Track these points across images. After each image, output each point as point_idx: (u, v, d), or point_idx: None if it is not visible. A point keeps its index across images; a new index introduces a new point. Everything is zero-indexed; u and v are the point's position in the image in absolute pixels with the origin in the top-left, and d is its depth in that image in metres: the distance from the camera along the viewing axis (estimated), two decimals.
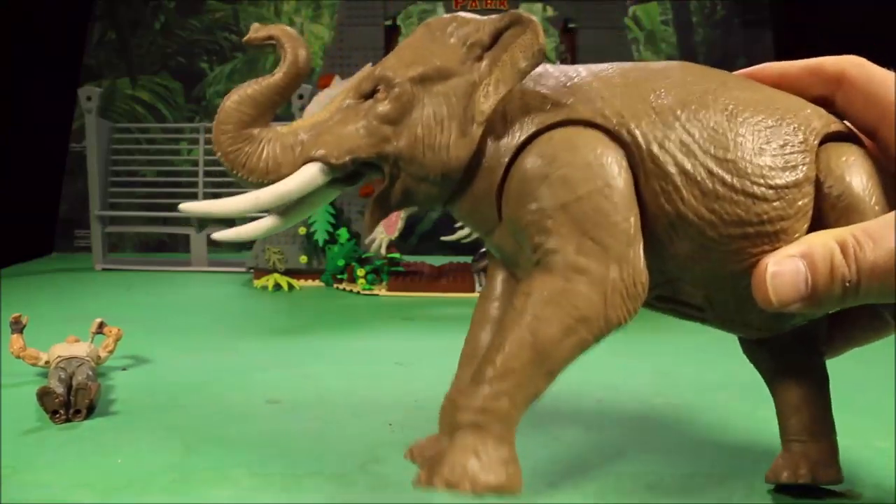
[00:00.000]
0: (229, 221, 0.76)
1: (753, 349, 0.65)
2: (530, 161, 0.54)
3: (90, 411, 0.83)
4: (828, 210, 0.55)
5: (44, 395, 0.81)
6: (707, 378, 1.01)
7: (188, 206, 0.58)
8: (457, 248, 1.98)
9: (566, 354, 0.50)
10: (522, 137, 0.55)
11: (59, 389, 0.83)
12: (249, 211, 0.56)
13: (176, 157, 2.66)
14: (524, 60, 0.54)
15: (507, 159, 0.55)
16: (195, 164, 2.40)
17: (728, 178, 0.53)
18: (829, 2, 2.62)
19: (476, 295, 1.84)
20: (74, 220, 2.72)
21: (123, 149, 2.45)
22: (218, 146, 0.57)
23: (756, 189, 0.53)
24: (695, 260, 0.55)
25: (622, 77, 0.57)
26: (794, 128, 0.55)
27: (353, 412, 0.79)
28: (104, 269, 2.21)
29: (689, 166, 0.53)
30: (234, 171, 0.57)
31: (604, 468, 0.69)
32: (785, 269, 0.51)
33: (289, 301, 1.74)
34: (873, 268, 0.50)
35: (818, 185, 0.55)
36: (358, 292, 1.85)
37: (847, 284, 0.50)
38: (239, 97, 0.56)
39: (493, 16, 0.57)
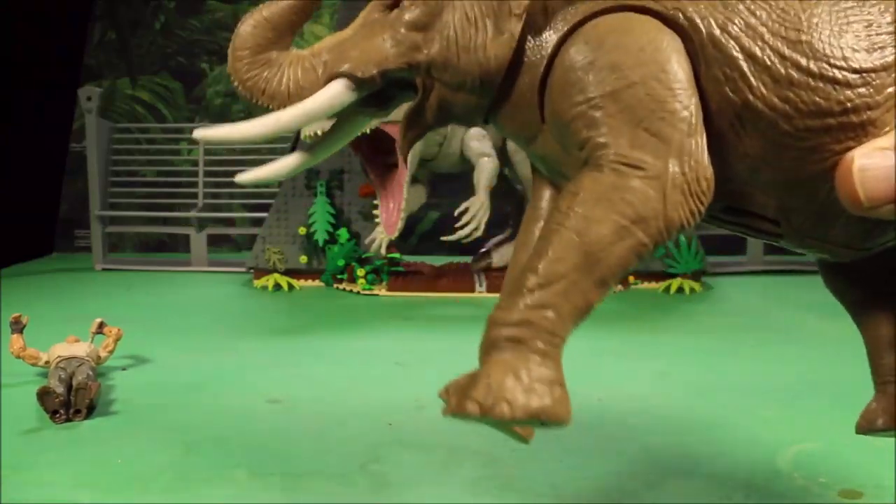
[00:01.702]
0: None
1: (836, 277, 0.57)
2: (575, 50, 0.47)
3: (90, 411, 0.83)
4: None
5: (44, 395, 0.81)
6: (707, 378, 1.01)
7: (203, 133, 0.52)
8: (457, 248, 1.98)
9: (620, 260, 0.43)
10: (566, 27, 0.49)
11: (60, 389, 0.83)
12: (271, 134, 0.51)
13: (176, 157, 2.66)
14: None
15: (549, 52, 0.49)
16: (195, 164, 2.40)
17: (803, 61, 0.45)
18: None
19: (476, 295, 1.84)
20: (74, 220, 2.72)
21: (123, 149, 2.46)
22: (234, 74, 0.52)
23: (837, 73, 0.45)
24: (767, 160, 0.47)
25: None
26: (880, 6, 0.47)
27: (353, 412, 0.79)
28: (104, 269, 2.21)
29: (756, 50, 0.45)
30: (254, 99, 0.52)
31: (604, 468, 0.69)
32: (876, 164, 0.44)
33: (289, 301, 1.74)
34: None
35: None
36: (358, 292, 1.85)
37: None
38: (255, 21, 0.53)
39: None
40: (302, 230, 1.93)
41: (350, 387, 0.96)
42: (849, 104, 0.45)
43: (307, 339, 1.31)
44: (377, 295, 1.83)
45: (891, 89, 0.46)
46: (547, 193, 0.55)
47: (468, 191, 1.75)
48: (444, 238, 1.90)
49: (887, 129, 0.46)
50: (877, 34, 0.46)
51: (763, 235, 0.52)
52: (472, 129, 1.79)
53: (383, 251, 1.86)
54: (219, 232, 2.49)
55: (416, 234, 2.67)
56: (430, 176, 1.90)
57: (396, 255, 1.89)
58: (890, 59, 0.46)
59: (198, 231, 2.26)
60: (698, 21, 0.47)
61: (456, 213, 1.79)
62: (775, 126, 0.46)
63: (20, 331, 0.97)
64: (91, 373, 0.89)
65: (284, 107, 0.51)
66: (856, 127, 0.45)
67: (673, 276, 1.90)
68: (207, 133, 0.51)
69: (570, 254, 0.42)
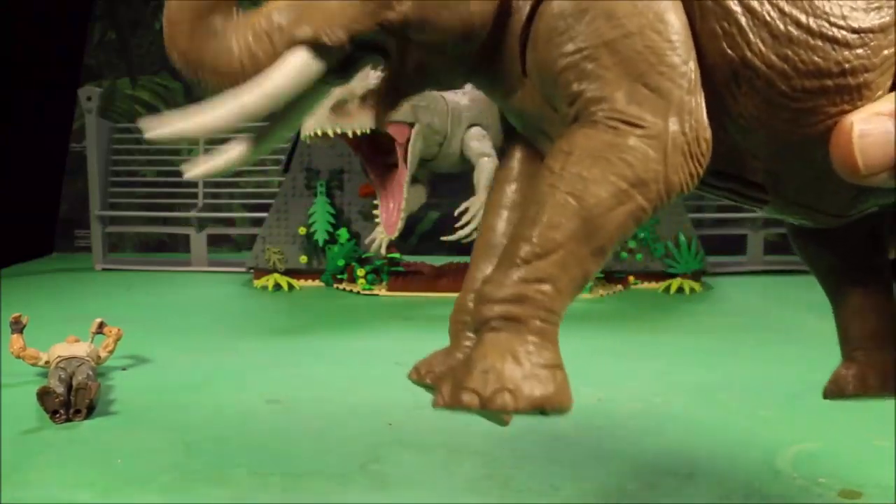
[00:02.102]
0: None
1: (808, 244, 0.55)
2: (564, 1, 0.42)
3: (90, 411, 0.83)
4: None
5: (44, 395, 0.81)
6: (707, 378, 1.01)
7: (154, 132, 0.43)
8: (457, 248, 1.98)
9: (619, 227, 0.39)
10: None
11: (60, 389, 0.83)
12: (236, 122, 0.43)
13: (176, 157, 2.66)
14: None
15: (532, 1, 0.44)
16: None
17: (803, 18, 0.43)
18: None
19: None
20: (74, 220, 2.72)
21: (123, 149, 2.46)
22: (172, 46, 0.44)
23: (836, 32, 0.43)
24: (761, 121, 0.45)
25: None
26: None
27: (353, 412, 0.79)
28: (104, 269, 2.21)
29: (755, 3, 0.42)
30: (199, 75, 0.44)
31: (604, 468, 0.69)
32: (875, 129, 0.42)
33: (289, 301, 1.74)
34: None
35: None
36: (358, 292, 1.85)
37: None
38: None
39: None
40: (302, 230, 1.93)
41: (350, 387, 0.96)
42: (847, 65, 0.43)
43: (307, 339, 1.31)
44: (377, 295, 1.83)
45: (888, 51, 0.44)
46: (519, 154, 0.50)
47: (468, 191, 1.75)
48: (444, 238, 1.90)
49: (881, 92, 0.44)
50: None
51: (748, 201, 0.49)
52: (473, 129, 1.79)
53: (383, 251, 1.86)
54: (219, 232, 2.49)
55: (416, 234, 2.67)
56: (430, 176, 1.90)
57: (396, 255, 1.89)
58: (888, 19, 0.44)
59: (198, 231, 2.26)
60: None
61: (456, 213, 1.78)
62: (772, 85, 0.43)
63: (20, 331, 0.97)
64: (91, 373, 0.89)
65: (237, 84, 0.42)
66: (852, 89, 0.43)
67: (673, 276, 1.90)
68: (158, 130, 0.43)
69: (567, 220, 0.38)
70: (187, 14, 0.43)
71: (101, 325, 1.02)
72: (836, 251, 0.54)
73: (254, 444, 0.74)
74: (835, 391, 0.54)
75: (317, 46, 0.42)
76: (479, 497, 0.61)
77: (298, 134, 1.90)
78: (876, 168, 0.41)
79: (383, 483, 0.65)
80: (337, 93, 1.68)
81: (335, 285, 1.92)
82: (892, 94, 0.43)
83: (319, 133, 1.57)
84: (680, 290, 1.86)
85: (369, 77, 1.44)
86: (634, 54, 0.40)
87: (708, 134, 0.42)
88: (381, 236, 1.85)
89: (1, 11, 2.12)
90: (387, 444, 0.73)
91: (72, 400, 0.82)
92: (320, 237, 1.92)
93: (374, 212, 1.81)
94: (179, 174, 0.50)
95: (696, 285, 1.89)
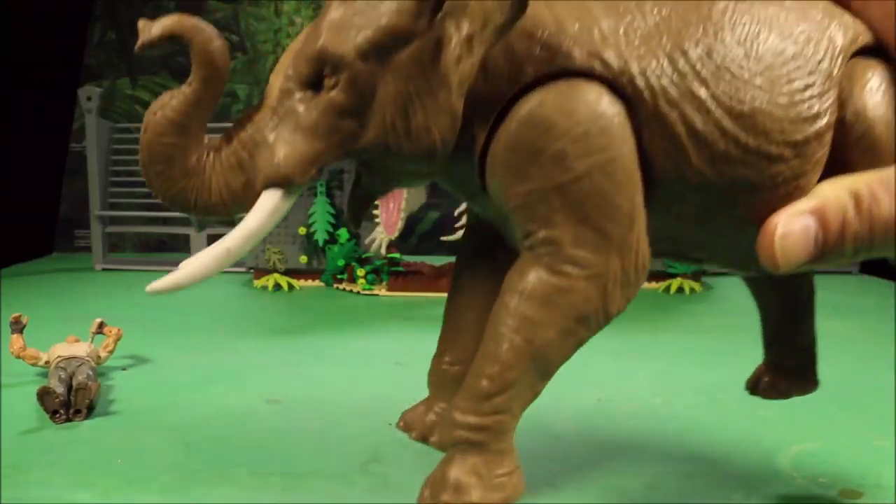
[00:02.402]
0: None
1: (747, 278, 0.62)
2: (520, 128, 0.46)
3: (90, 411, 0.83)
4: (849, 146, 0.48)
5: (44, 395, 0.81)
6: (707, 378, 1.01)
7: (155, 286, 0.50)
8: (457, 248, 1.98)
9: (564, 355, 0.48)
10: (510, 93, 0.47)
11: (60, 389, 0.83)
12: (224, 266, 0.48)
13: None
14: (500, 14, 0.44)
15: (491, 120, 0.47)
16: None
17: (743, 136, 0.46)
18: None
19: None
20: (74, 220, 2.72)
21: (123, 149, 2.45)
22: (157, 192, 0.48)
23: (773, 149, 0.46)
24: (699, 220, 0.49)
25: (622, 3, 0.48)
26: (819, 56, 0.47)
27: (354, 412, 0.79)
28: (104, 269, 2.21)
29: (699, 125, 0.46)
30: (188, 213, 0.49)
31: (604, 468, 0.69)
32: (795, 229, 0.46)
33: (289, 301, 1.74)
34: (887, 225, 0.45)
35: (840, 120, 0.48)
36: (358, 292, 1.85)
37: (858, 241, 0.46)
38: (156, 126, 0.47)
39: None
40: (302, 230, 1.93)
41: (350, 387, 0.96)
42: (780, 178, 0.47)
43: (307, 339, 1.31)
44: (377, 295, 1.83)
45: (820, 153, 0.48)
46: (481, 231, 0.57)
47: None
48: (444, 238, 1.90)
49: (811, 187, 0.48)
50: (812, 95, 0.47)
51: (687, 263, 0.53)
52: None
53: (383, 251, 1.86)
54: (219, 232, 2.48)
55: (416, 234, 2.67)
56: None
57: (396, 255, 1.89)
58: (822, 124, 0.47)
59: (198, 231, 2.25)
60: (645, 91, 0.46)
61: (456, 213, 1.78)
62: (709, 195, 0.47)
63: (20, 331, 0.97)
64: (91, 373, 0.89)
65: (221, 216, 0.48)
66: (783, 196, 0.47)
67: (673, 276, 1.90)
68: (158, 285, 0.49)
69: (520, 361, 0.46)
70: (163, 160, 0.47)
71: (101, 325, 1.02)
72: (772, 286, 0.61)
73: (254, 444, 0.74)
74: (749, 387, 0.65)
75: (292, 186, 0.47)
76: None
77: None
78: (794, 263, 0.46)
79: (383, 483, 0.65)
80: None
81: (335, 285, 1.92)
82: (818, 188, 0.47)
83: None
84: (680, 290, 1.86)
85: None
86: (582, 197, 0.45)
87: (646, 260, 0.48)
88: (381, 236, 1.85)
89: (1, 11, 2.12)
90: (387, 444, 0.73)
91: (72, 400, 0.82)
92: (320, 237, 1.92)
93: (374, 212, 1.81)
94: None
95: (696, 285, 1.89)
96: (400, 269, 1.90)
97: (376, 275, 1.88)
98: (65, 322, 1.35)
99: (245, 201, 0.48)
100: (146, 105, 3.04)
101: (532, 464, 0.69)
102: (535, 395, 0.48)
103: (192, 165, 0.47)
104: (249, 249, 0.48)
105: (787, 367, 0.63)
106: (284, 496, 0.63)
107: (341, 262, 1.91)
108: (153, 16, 0.49)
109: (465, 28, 0.45)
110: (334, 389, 0.94)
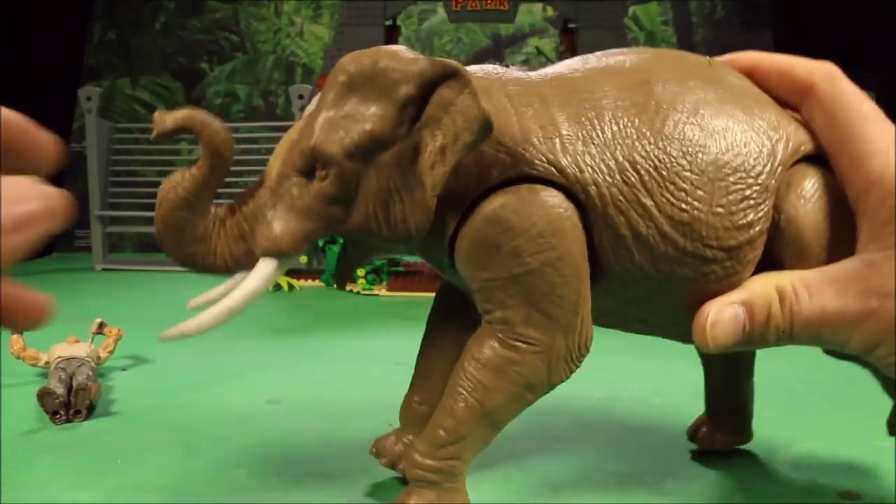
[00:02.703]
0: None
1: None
2: (484, 225, 0.53)
3: (90, 412, 0.83)
4: (781, 247, 0.55)
5: (44, 396, 0.81)
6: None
7: (167, 334, 0.56)
8: None
9: (511, 415, 0.56)
10: (476, 192, 0.54)
11: (60, 390, 0.83)
12: (225, 322, 0.56)
13: (176, 157, 2.67)
14: (469, 134, 0.51)
15: (460, 214, 0.55)
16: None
17: (681, 241, 0.53)
18: (829, 2, 2.62)
19: None
20: (74, 220, 2.73)
21: (123, 149, 2.46)
22: (170, 255, 0.56)
23: (707, 252, 0.53)
24: (642, 303, 0.57)
25: (584, 95, 0.55)
26: (759, 169, 0.54)
27: (354, 412, 0.79)
28: (104, 269, 2.22)
29: (642, 229, 0.53)
30: (196, 271, 0.57)
31: (604, 468, 0.69)
32: (725, 318, 0.53)
33: (289, 301, 1.75)
34: (806, 321, 0.51)
35: (774, 223, 0.54)
36: (358, 292, 1.85)
37: (781, 332, 0.52)
38: (170, 203, 0.54)
39: (420, 60, 0.53)
40: None
41: (350, 387, 0.96)
42: (713, 276, 0.54)
43: (307, 339, 1.31)
44: (377, 295, 1.83)
45: (751, 255, 0.54)
46: (449, 291, 0.65)
47: None
48: None
49: (742, 281, 0.55)
50: (748, 205, 0.53)
51: (629, 331, 0.62)
52: None
53: None
54: None
55: None
56: None
57: (396, 255, 1.89)
58: (755, 231, 0.54)
59: None
60: (596, 198, 0.53)
61: None
62: (650, 285, 0.55)
63: (20, 331, 0.97)
64: (91, 373, 0.89)
65: (226, 275, 0.57)
66: (716, 290, 0.55)
67: None
68: (171, 333, 0.56)
69: (472, 418, 0.54)
70: (176, 231, 0.54)
71: (101, 326, 1.02)
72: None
73: (254, 445, 0.74)
74: (690, 434, 0.74)
75: (285, 257, 0.55)
76: (478, 497, 0.61)
77: None
78: (721, 346, 0.54)
79: (384, 484, 0.65)
80: None
81: (335, 285, 1.92)
82: (749, 282, 0.54)
83: None
84: None
85: None
86: (533, 287, 0.52)
87: (589, 340, 0.55)
88: None
89: (1, 11, 2.12)
90: None
91: (72, 401, 0.82)
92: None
93: None
94: None
95: None
96: (400, 269, 1.90)
97: (376, 275, 1.88)
98: (65, 322, 1.35)
99: (245, 266, 0.56)
100: (146, 105, 3.06)
101: (531, 465, 0.69)
102: (486, 444, 0.56)
103: (199, 234, 0.55)
104: (244, 309, 0.56)
105: (725, 421, 0.72)
106: (285, 497, 0.63)
107: None
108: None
109: (439, 139, 0.52)
110: (334, 389, 0.95)
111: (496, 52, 3.32)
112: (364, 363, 1.09)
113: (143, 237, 2.79)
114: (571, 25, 2.28)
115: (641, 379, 1.00)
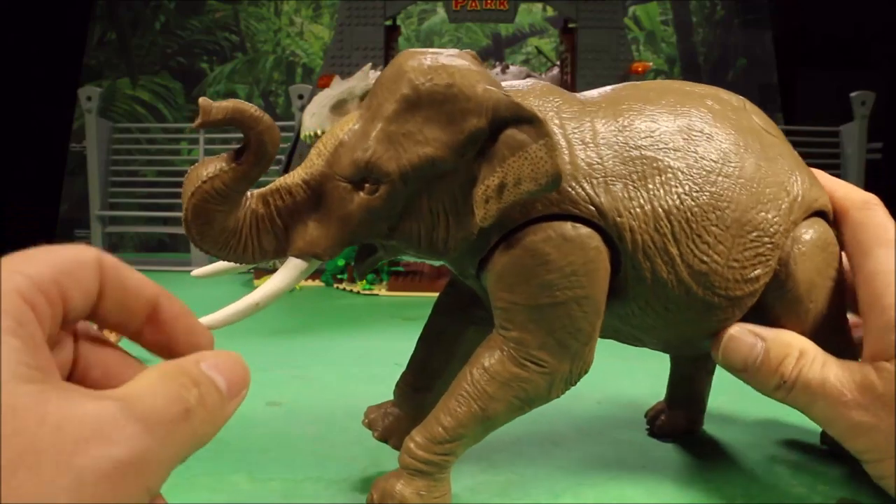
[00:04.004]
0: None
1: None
2: (522, 254, 0.55)
3: None
4: (776, 296, 0.59)
5: None
6: None
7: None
8: None
9: (506, 421, 0.58)
10: (519, 221, 0.55)
11: None
12: (250, 314, 0.56)
13: (176, 157, 2.67)
14: (534, 184, 0.52)
15: (499, 237, 0.56)
16: (195, 164, 2.40)
17: (694, 288, 0.57)
18: (829, 2, 2.62)
19: None
20: (74, 220, 2.73)
21: (123, 149, 2.46)
22: (195, 242, 0.55)
23: (715, 300, 0.58)
24: (642, 328, 0.61)
25: (633, 135, 0.57)
26: (774, 228, 0.58)
27: (354, 414, 0.78)
28: None
29: (663, 274, 0.57)
30: (221, 258, 0.57)
31: (603, 474, 0.69)
32: (743, 342, 0.59)
33: (289, 301, 1.74)
34: (807, 385, 0.56)
35: (774, 272, 0.59)
36: (358, 292, 1.85)
37: (783, 383, 0.57)
38: (204, 193, 0.52)
39: (495, 94, 0.52)
40: None
41: (351, 388, 0.96)
42: (714, 319, 0.59)
43: (307, 339, 1.31)
44: (377, 295, 1.83)
45: (750, 304, 0.59)
46: (457, 290, 0.68)
47: None
48: None
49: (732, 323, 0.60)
50: (757, 262, 0.58)
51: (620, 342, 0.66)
52: None
53: None
54: None
55: None
56: None
57: None
58: (759, 285, 0.58)
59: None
60: (629, 243, 0.56)
61: None
62: (657, 320, 0.60)
63: None
64: None
65: (253, 267, 0.56)
66: (717, 332, 0.61)
67: None
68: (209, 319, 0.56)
69: (472, 422, 0.56)
70: (207, 221, 0.53)
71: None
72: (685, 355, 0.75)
73: (254, 449, 0.74)
74: (648, 418, 0.79)
75: (317, 258, 0.56)
76: (478, 502, 0.61)
77: (298, 134, 1.90)
78: (727, 363, 0.60)
79: None
80: (336, 93, 1.69)
81: (335, 285, 1.92)
82: (781, 330, 0.59)
83: (319, 132, 1.57)
84: None
85: (369, 77, 1.47)
86: (555, 318, 0.55)
87: (589, 367, 0.58)
88: None
89: (1, 11, 2.12)
90: (387, 448, 0.73)
91: None
92: None
93: None
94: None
95: None
96: (400, 269, 1.90)
97: (376, 275, 1.88)
98: None
99: (273, 258, 0.56)
100: (146, 105, 3.06)
101: (531, 469, 0.69)
102: (476, 442, 0.59)
103: (230, 225, 0.54)
104: (270, 303, 0.56)
105: (681, 412, 0.77)
106: (285, 501, 0.63)
107: (341, 262, 1.91)
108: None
109: (499, 177, 0.52)
110: (334, 391, 0.95)
111: (496, 52, 3.32)
112: (364, 363, 1.09)
113: (143, 237, 2.79)
114: (571, 25, 2.27)
115: (641, 381, 1.00)
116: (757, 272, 0.58)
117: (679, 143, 0.57)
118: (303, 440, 0.77)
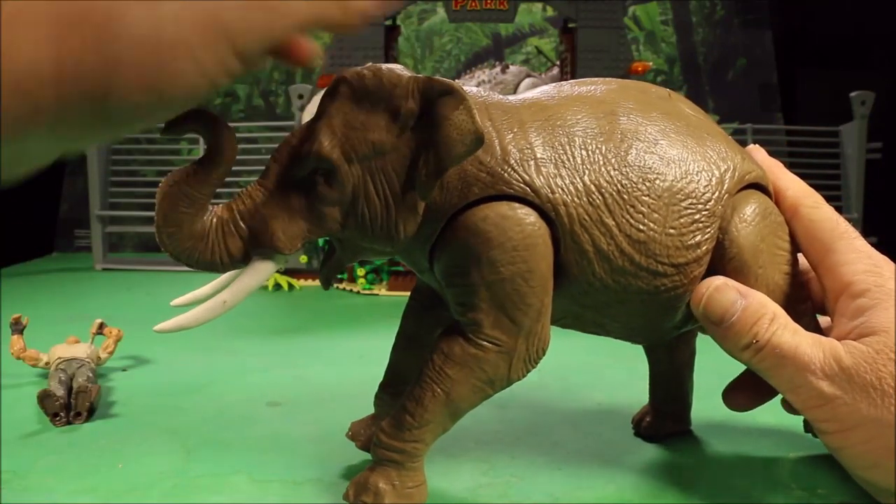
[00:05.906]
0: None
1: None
2: (465, 235, 0.58)
3: (90, 414, 0.83)
4: (723, 265, 0.62)
5: (44, 398, 0.81)
6: (706, 381, 1.00)
7: (161, 326, 0.62)
8: None
9: (471, 405, 0.60)
10: (458, 206, 0.59)
11: (60, 392, 0.83)
12: (219, 315, 0.60)
13: (176, 157, 2.66)
14: (462, 146, 0.56)
15: (442, 224, 0.59)
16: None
17: (636, 257, 0.60)
18: (829, 2, 2.62)
19: None
20: (74, 220, 2.72)
21: (123, 149, 2.45)
22: (166, 249, 0.58)
23: (659, 267, 0.60)
24: (599, 308, 0.63)
25: (558, 122, 0.61)
26: (708, 196, 0.61)
27: (355, 414, 0.78)
28: (104, 269, 2.21)
29: (603, 245, 0.59)
30: (191, 267, 0.60)
31: (603, 473, 0.69)
32: (725, 296, 0.61)
33: (289, 301, 1.74)
34: (778, 348, 0.58)
35: (719, 243, 0.62)
36: (358, 292, 1.85)
37: (755, 342, 0.59)
38: (172, 196, 0.56)
39: (419, 77, 0.58)
40: None
41: (350, 388, 0.96)
42: (662, 288, 0.61)
43: (307, 338, 1.31)
44: (377, 295, 1.83)
45: (697, 272, 0.62)
46: (420, 294, 0.71)
47: None
48: None
49: (689, 292, 0.62)
50: (696, 229, 0.61)
51: (585, 332, 0.68)
52: None
53: None
54: None
55: None
56: None
57: None
58: (702, 251, 0.61)
59: None
60: (565, 217, 0.59)
61: None
62: (607, 294, 0.61)
63: (20, 332, 0.97)
64: (91, 374, 0.89)
65: (219, 272, 0.61)
66: (665, 301, 0.62)
67: None
68: (168, 325, 0.61)
69: (437, 406, 0.59)
70: (177, 225, 0.57)
71: (101, 326, 1.02)
72: (662, 350, 0.76)
73: (254, 449, 0.74)
74: (635, 420, 0.80)
75: (280, 254, 0.59)
76: (478, 502, 0.62)
77: None
78: (706, 315, 0.61)
79: None
80: None
81: (335, 285, 1.92)
82: (762, 294, 0.61)
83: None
84: None
85: None
86: (503, 294, 0.58)
87: (546, 345, 0.61)
88: None
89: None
90: None
91: (72, 403, 0.82)
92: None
93: None
94: None
95: None
96: (400, 268, 1.90)
97: (376, 274, 1.88)
98: (65, 322, 1.35)
99: (240, 262, 0.60)
100: None
101: (531, 472, 0.69)
102: (445, 430, 0.61)
103: (197, 230, 0.57)
104: (239, 303, 0.60)
105: (665, 412, 0.78)
106: (285, 500, 0.63)
107: None
108: None
109: (433, 151, 0.57)
110: (334, 391, 0.95)
111: (496, 51, 3.32)
112: (364, 363, 1.09)
113: (143, 237, 2.79)
114: (571, 25, 2.27)
115: (641, 381, 1.00)
116: (696, 238, 0.61)
117: (606, 127, 0.61)
118: (303, 440, 0.77)
